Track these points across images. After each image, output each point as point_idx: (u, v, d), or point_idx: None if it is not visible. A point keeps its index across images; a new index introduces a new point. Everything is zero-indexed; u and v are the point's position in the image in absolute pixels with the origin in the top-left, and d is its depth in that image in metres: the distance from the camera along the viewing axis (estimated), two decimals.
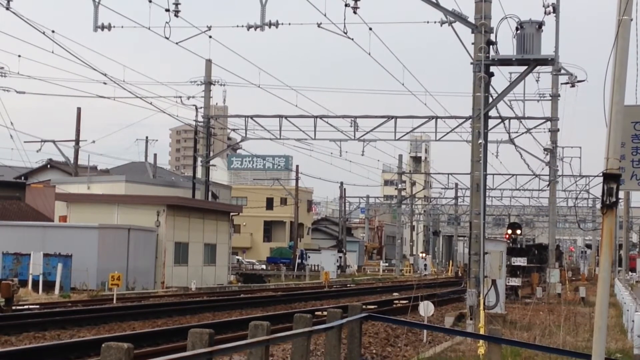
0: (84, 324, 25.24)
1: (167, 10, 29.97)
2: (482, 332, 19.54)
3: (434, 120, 50.00)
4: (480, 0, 25.04)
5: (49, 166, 70.74)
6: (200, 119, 54.40)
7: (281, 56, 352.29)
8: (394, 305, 37.23)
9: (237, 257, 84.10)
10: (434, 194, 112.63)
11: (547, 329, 22.29)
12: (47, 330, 23.12)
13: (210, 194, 56.84)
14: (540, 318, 28.18)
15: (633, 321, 20.38)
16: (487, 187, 31.49)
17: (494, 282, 26.85)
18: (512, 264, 43.21)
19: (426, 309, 22.44)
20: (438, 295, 42.92)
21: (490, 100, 26.36)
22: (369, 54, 31.49)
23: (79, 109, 63.32)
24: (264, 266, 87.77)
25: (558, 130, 51.14)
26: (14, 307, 27.77)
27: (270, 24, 33.51)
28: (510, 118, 46.23)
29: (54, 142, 61.36)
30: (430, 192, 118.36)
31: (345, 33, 28.78)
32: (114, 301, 34.35)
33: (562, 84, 50.09)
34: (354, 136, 51.22)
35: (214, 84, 54.39)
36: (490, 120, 30.20)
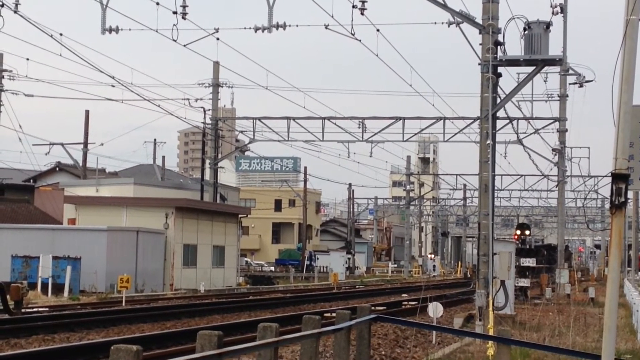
0: (93, 326, 25.26)
1: (175, 12, 30.01)
2: (491, 333, 19.51)
3: (442, 121, 49.99)
4: (487, 1, 25.02)
5: (57, 169, 70.91)
6: (208, 121, 54.50)
7: (289, 58, 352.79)
8: (403, 307, 37.20)
9: (245, 259, 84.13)
10: (443, 195, 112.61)
11: (557, 329, 22.25)
12: (57, 333, 23.14)
13: (218, 196, 56.89)
14: (550, 319, 28.14)
15: None
16: (496, 188, 31.44)
17: (502, 283, 26.80)
18: (521, 264, 43.15)
19: (435, 310, 22.41)
20: (447, 296, 42.96)
21: (499, 100, 26.33)
22: (377, 55, 31.50)
23: (87, 112, 63.57)
24: (272, 268, 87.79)
25: (566, 130, 51.08)
26: (23, 310, 27.82)
27: (277, 26, 33.51)
28: (518, 118, 46.21)
29: (62, 144, 61.57)
30: (439, 193, 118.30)
31: (353, 34, 28.79)
32: (123, 303, 34.38)
33: (570, 84, 50.04)
34: (362, 137, 51.25)
35: (222, 86, 54.48)
36: (498, 121, 30.18)
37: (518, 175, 74.46)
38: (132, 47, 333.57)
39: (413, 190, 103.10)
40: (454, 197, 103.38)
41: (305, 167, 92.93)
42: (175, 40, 30.98)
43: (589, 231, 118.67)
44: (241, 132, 58.82)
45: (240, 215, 57.72)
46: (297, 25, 35.82)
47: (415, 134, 52.62)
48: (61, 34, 32.75)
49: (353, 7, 27.10)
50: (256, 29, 33.57)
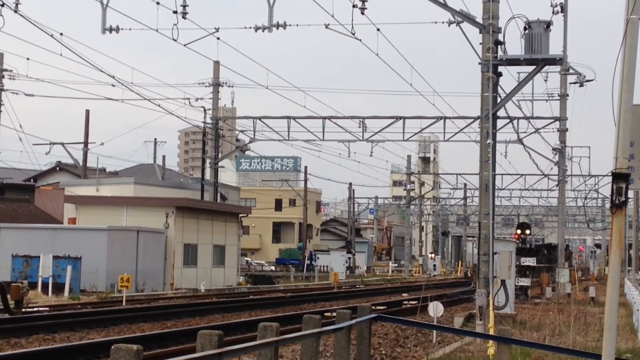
0: (94, 326, 25.27)
1: (175, 12, 30.00)
2: (491, 332, 19.51)
3: (442, 120, 49.96)
4: (487, 0, 25.01)
5: (58, 168, 70.95)
6: (208, 120, 54.49)
7: (289, 58, 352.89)
8: (403, 306, 37.20)
9: (246, 258, 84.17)
10: (443, 194, 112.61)
11: (557, 329, 22.24)
12: (57, 333, 23.15)
13: (219, 195, 56.87)
14: (550, 318, 28.14)
15: None
16: (496, 187, 31.44)
17: (503, 282, 26.80)
18: (522, 264, 43.16)
19: (435, 309, 22.40)
20: (447, 295, 42.92)
21: (499, 100, 26.32)
22: (377, 55, 31.49)
23: (87, 111, 63.58)
24: (273, 267, 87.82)
25: (567, 129, 51.04)
26: (23, 310, 27.83)
27: (277, 25, 33.49)
28: (518, 118, 46.17)
29: (62, 144, 61.56)
30: (439, 192, 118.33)
31: (353, 34, 28.78)
32: (124, 303, 34.39)
33: (570, 83, 50.00)
34: (363, 137, 51.22)
35: (222, 86, 54.46)
36: (498, 120, 30.17)
37: (518, 174, 74.45)
38: (132, 46, 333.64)
39: (413, 189, 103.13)
40: (454, 197, 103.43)
41: (306, 167, 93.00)
42: (175, 40, 31.01)
43: (589, 230, 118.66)
44: (241, 131, 58.86)
45: (240, 215, 57.71)
46: (297, 25, 35.82)
47: (416, 134, 52.59)
48: (61, 34, 32.78)
49: (353, 6, 27.09)
50: (256, 29, 33.55)
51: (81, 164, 62.81)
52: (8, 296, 27.08)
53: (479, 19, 25.38)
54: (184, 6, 30.41)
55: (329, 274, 68.24)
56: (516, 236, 48.85)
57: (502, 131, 43.58)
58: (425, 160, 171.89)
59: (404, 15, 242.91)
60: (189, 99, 51.19)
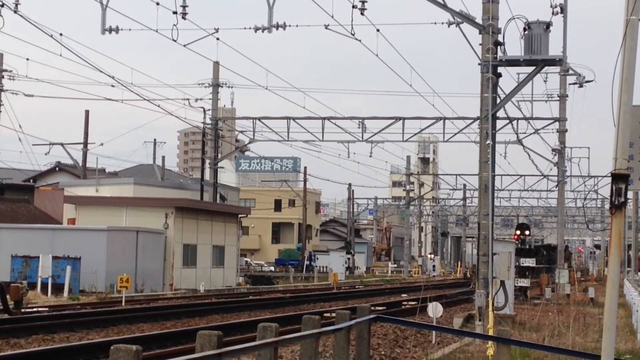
0: (93, 326, 25.26)
1: (175, 12, 30.01)
2: (490, 333, 19.51)
3: (442, 121, 49.97)
4: (487, 1, 25.02)
5: (57, 169, 70.93)
6: (208, 121, 54.47)
7: (289, 58, 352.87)
8: (403, 307, 37.20)
9: (245, 259, 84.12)
10: (442, 195, 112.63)
11: (556, 329, 22.25)
12: (56, 333, 23.15)
13: (218, 196, 56.87)
14: (549, 319, 28.13)
15: None
16: (496, 188, 31.44)
17: (502, 283, 26.80)
18: (521, 264, 43.16)
19: (435, 310, 22.41)
20: (447, 296, 42.92)
21: (498, 101, 26.33)
22: (377, 56, 31.50)
23: (87, 112, 63.59)
24: (272, 268, 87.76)
25: (566, 130, 51.03)
26: (23, 310, 27.82)
27: (277, 26, 33.49)
28: (518, 119, 46.21)
29: (62, 144, 61.57)
30: (439, 193, 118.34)
31: (353, 35, 28.79)
32: (123, 303, 34.38)
33: (570, 84, 49.96)
34: (362, 137, 51.23)
35: (222, 86, 54.45)
36: (498, 121, 30.17)
37: (518, 175, 74.49)
38: (132, 47, 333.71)
39: (413, 190, 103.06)
40: (453, 197, 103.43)
41: (305, 167, 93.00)
42: (175, 40, 31.01)
43: (588, 231, 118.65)
44: (241, 132, 58.85)
45: (240, 215, 57.70)
46: (297, 25, 35.85)
47: (415, 134, 52.61)
48: (61, 34, 32.78)
49: (353, 7, 27.11)
50: (256, 29, 33.57)
51: (81, 164, 62.81)
52: (7, 296, 27.07)
53: (479, 20, 25.40)
54: (184, 6, 30.41)
55: (328, 275, 68.21)
56: (515, 237, 48.82)
57: (501, 132, 43.65)
58: (424, 161, 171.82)
59: (403, 16, 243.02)
60: (188, 99, 51.24)
